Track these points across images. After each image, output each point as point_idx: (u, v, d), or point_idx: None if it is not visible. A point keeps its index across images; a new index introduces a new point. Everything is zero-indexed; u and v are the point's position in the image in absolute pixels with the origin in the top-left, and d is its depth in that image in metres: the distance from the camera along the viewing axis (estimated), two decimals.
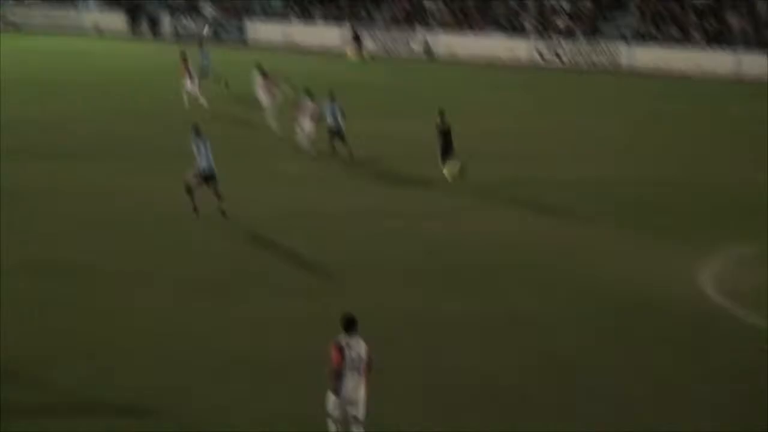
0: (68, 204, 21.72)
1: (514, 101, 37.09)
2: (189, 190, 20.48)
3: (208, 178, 20.33)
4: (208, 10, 53.27)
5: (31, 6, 55.91)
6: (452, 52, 48.57)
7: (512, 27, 49.95)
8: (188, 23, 52.66)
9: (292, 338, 14.78)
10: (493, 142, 29.51)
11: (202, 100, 31.89)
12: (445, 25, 50.41)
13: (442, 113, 24.27)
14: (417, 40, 49.61)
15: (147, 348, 14.59)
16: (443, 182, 24.11)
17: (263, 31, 51.41)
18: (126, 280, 17.32)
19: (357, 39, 47.80)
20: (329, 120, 26.27)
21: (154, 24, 52.76)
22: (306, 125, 26.64)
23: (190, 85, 32.32)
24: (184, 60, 32.72)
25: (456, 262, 18.73)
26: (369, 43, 49.68)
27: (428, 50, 49.13)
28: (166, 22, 52.76)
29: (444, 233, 20.55)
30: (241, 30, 51.84)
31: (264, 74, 29.00)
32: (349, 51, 47.38)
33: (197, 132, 20.67)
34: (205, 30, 32.44)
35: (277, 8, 54.31)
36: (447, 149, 23.94)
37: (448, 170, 24.14)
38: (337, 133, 26.25)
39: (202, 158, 20.31)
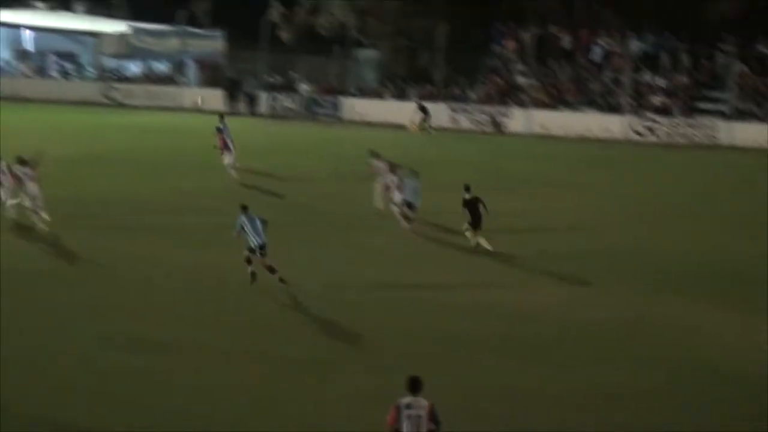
0: (148, 278, 22.33)
1: (603, 176, 37.37)
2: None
3: (259, 250, 21.20)
4: (304, 87, 54.55)
5: (133, 82, 57.86)
6: (546, 128, 48.89)
7: (607, 104, 50.11)
8: (285, 101, 53.86)
9: (381, 412, 14.84)
10: (575, 215, 30.10)
11: (233, 172, 33.47)
12: (538, 102, 50.76)
13: (467, 187, 25.30)
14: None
15: (241, 426, 14.91)
16: (514, 254, 24.72)
17: (358, 107, 52.32)
18: (214, 356, 17.70)
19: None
20: (406, 194, 26.77)
21: (251, 101, 54.12)
22: (396, 198, 27.13)
23: (228, 158, 33.83)
24: (220, 133, 34.08)
25: (530, 333, 19.07)
26: (463, 121, 50.29)
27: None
28: (263, 99, 54.06)
29: (517, 305, 20.92)
30: (336, 107, 52.89)
31: (378, 157, 29.32)
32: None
33: (245, 210, 21.57)
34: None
35: (372, 86, 55.41)
36: (476, 221, 24.90)
37: (476, 238, 25.06)
38: (409, 207, 26.96)
39: (255, 235, 21.21)
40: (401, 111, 50.65)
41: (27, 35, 60.44)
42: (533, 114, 50.08)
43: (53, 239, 25.39)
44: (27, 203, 26.22)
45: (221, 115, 36.50)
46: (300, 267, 23.01)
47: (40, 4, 65.99)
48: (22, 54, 60.55)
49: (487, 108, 50.95)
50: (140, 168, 36.07)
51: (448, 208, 28.70)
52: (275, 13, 57.94)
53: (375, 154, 29.56)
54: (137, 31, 58.82)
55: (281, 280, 21.23)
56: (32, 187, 26.14)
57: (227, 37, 59.99)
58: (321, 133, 48.10)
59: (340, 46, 56.04)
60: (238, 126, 49.51)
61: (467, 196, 25.21)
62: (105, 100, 55.58)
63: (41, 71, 59.90)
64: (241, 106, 54.13)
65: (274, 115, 52.96)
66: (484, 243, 24.95)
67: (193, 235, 26.30)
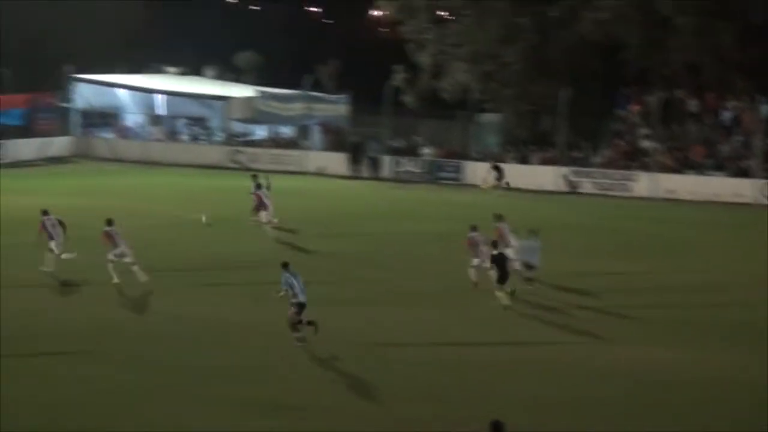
0: (268, 340, 23.40)
1: (729, 239, 37.65)
2: (309, 323, 22.69)
3: (302, 307, 22.55)
4: (427, 151, 55.70)
5: (259, 146, 59.80)
6: (672, 192, 49.06)
7: (737, 168, 49.95)
8: (408, 165, 55.00)
9: None
10: (690, 277, 30.93)
11: (269, 227, 35.86)
12: (664, 166, 50.88)
13: (495, 244, 26.77)
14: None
15: None
16: (608, 313, 25.80)
17: (480, 171, 53.12)
18: (341, 417, 18.79)
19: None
20: (524, 254, 27.56)
21: (374, 165, 55.49)
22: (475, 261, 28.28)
23: (265, 216, 36.09)
24: (258, 190, 36.66)
25: (628, 393, 19.86)
26: (587, 185, 50.75)
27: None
28: (386, 163, 55.38)
29: (616, 364, 21.72)
30: (458, 170, 53.87)
31: (502, 219, 30.08)
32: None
33: (286, 267, 22.96)
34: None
35: (494, 150, 56.24)
36: (503, 275, 26.14)
37: (502, 294, 26.23)
38: (528, 267, 27.97)
39: (298, 292, 22.57)
40: (523, 175, 51.41)
41: (159, 100, 63.10)
42: (659, 178, 50.24)
43: (176, 301, 26.83)
44: (126, 259, 28.05)
45: (254, 176, 38.86)
46: (404, 327, 24.08)
47: (172, 69, 68.97)
48: (154, 118, 63.21)
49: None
50: (262, 230, 37.47)
51: (561, 269, 29.46)
52: (399, 77, 59.48)
53: (499, 217, 30.33)
54: (264, 96, 60.97)
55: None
56: (124, 244, 28.05)
57: (351, 101, 61.72)
58: (442, 196, 49.07)
59: (463, 110, 57.19)
60: (361, 189, 51.27)
61: (494, 252, 26.51)
62: (232, 164, 57.55)
63: (172, 135, 62.35)
64: (364, 169, 55.56)
65: (397, 179, 54.22)
66: (503, 298, 26.09)
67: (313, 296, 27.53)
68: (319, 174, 55.37)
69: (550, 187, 50.99)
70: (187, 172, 54.52)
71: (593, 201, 48.60)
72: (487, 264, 27.41)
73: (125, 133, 62.97)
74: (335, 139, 59.66)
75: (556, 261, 29.69)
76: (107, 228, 28.29)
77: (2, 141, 57.35)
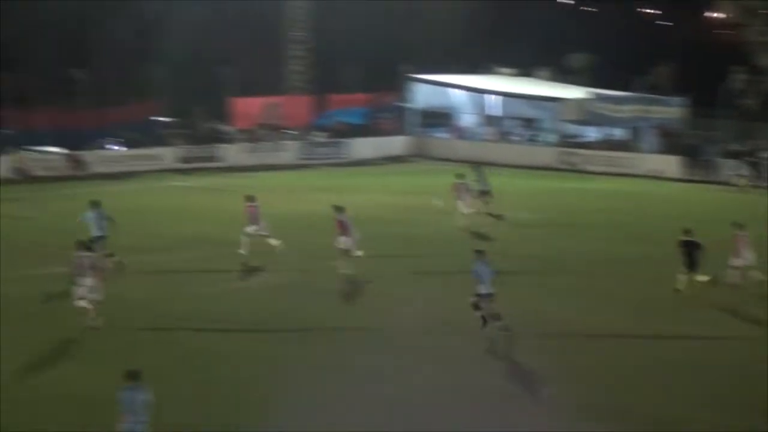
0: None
1: None
2: (476, 307, 23.71)
3: (484, 298, 23.52)
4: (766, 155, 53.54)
5: (590, 148, 59.62)
6: None
7: None
8: (746, 169, 53.16)
9: None
10: None
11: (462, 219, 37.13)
12: None
13: (687, 231, 27.38)
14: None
15: None
16: None
17: None
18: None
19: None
20: None
21: (711, 168, 54.10)
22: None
23: (463, 207, 37.59)
24: (461, 182, 38.18)
25: None
26: None
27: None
28: (723, 167, 53.79)
29: None
30: None
31: (741, 228, 29.55)
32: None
33: (479, 256, 23.86)
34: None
35: None
36: (692, 264, 27.14)
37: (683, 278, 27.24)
38: None
39: (484, 282, 23.48)
40: None
41: (492, 100, 64.25)
42: None
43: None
44: (342, 246, 29.78)
45: (474, 167, 40.85)
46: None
47: (504, 70, 70.01)
48: (487, 119, 64.42)
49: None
50: (586, 232, 37.64)
51: None
52: (738, 79, 57.64)
53: (739, 226, 29.19)
54: (596, 98, 60.74)
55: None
56: (348, 237, 29.65)
57: (687, 104, 60.31)
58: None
59: None
60: (691, 193, 50.24)
61: (685, 238, 27.26)
62: (563, 166, 57.82)
63: (504, 136, 63.27)
64: (700, 173, 54.30)
65: (734, 183, 52.42)
66: (681, 282, 27.14)
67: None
68: (652, 177, 54.63)
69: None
70: (517, 173, 55.24)
71: None
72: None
73: (460, 133, 64.56)
74: (670, 142, 58.61)
75: None
76: (338, 215, 29.47)
77: (344, 140, 60.51)
